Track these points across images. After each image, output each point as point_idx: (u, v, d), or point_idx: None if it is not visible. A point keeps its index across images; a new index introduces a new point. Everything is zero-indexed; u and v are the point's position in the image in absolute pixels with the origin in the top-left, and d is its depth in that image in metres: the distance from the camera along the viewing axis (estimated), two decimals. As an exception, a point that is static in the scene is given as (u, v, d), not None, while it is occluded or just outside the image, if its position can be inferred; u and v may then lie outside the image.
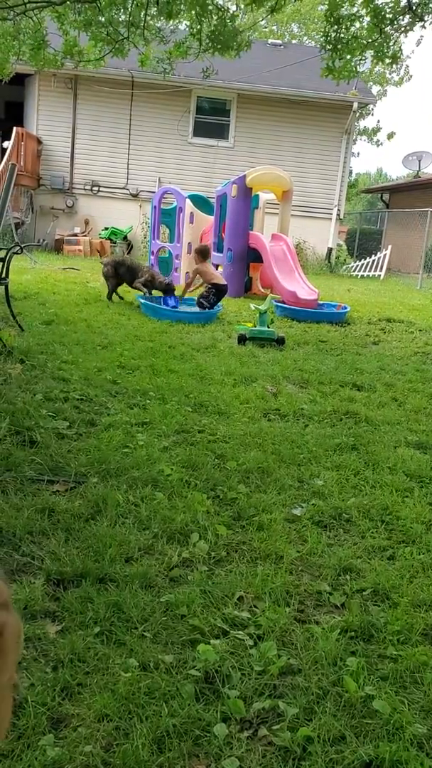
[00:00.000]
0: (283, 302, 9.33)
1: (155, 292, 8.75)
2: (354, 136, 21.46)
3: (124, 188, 17.93)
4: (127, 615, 2.16)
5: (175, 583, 2.39)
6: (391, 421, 4.53)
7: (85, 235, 17.18)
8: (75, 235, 17.04)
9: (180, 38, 7.53)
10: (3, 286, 5.93)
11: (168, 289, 8.69)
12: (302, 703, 1.86)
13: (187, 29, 7.21)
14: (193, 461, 3.45)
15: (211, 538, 2.69)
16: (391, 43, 5.93)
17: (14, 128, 15.45)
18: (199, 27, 6.83)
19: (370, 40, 5.93)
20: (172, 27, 7.47)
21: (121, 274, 8.75)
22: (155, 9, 6.73)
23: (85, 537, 2.60)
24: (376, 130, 31.82)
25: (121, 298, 8.89)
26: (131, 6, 6.90)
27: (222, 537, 2.72)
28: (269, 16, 8.56)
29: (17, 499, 2.85)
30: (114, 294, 8.83)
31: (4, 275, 5.88)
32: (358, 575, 2.55)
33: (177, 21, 7.19)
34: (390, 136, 32.20)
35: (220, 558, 2.59)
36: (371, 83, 28.11)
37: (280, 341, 6.98)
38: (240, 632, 2.14)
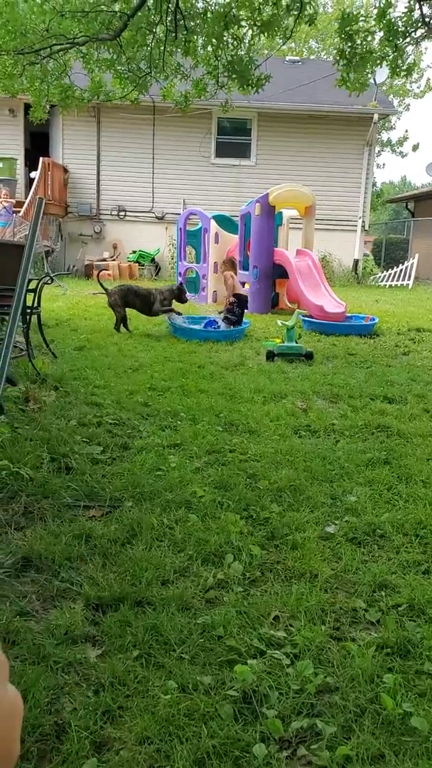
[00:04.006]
0: (311, 316, 9.35)
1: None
2: (376, 149, 21.44)
3: (150, 212, 18.22)
4: (165, 637, 2.20)
5: (211, 605, 2.42)
6: (424, 433, 4.51)
7: (113, 260, 17.47)
8: (104, 259, 17.34)
9: (198, 75, 7.71)
10: (36, 315, 6.08)
11: (180, 292, 8.50)
12: (340, 722, 1.87)
13: (204, 68, 7.38)
14: (225, 482, 3.49)
15: (246, 559, 2.72)
16: (406, 57, 5.99)
17: (41, 158, 15.85)
18: (216, 63, 6.98)
19: (383, 54, 6.00)
20: (191, 64, 7.64)
21: (130, 302, 8.36)
22: (173, 45, 6.90)
23: (122, 561, 2.65)
24: (402, 141, 31.85)
25: (129, 330, 8.37)
26: (152, 42, 7.09)
27: (256, 557, 2.74)
28: (282, 44, 8.70)
29: (55, 526, 2.92)
30: (122, 326, 8.34)
31: (36, 305, 6.03)
32: (394, 591, 2.55)
33: (196, 59, 7.33)
34: (415, 147, 32.21)
35: (255, 578, 2.62)
36: (392, 95, 28.14)
37: (309, 356, 7.00)
38: (276, 652, 2.16)
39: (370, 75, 6.41)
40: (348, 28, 5.88)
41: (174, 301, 8.56)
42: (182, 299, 8.67)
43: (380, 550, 2.89)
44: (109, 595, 2.41)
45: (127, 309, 8.38)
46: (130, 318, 8.86)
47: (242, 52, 7.08)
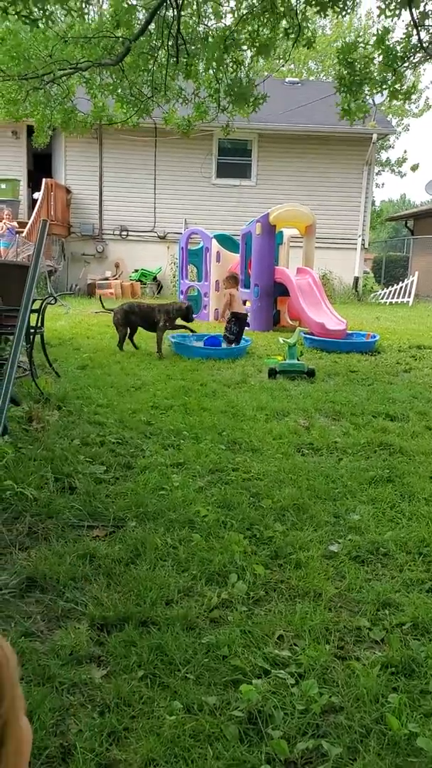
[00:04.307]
0: (312, 334, 9.39)
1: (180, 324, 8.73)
2: (376, 168, 21.65)
3: (151, 231, 18.36)
4: (169, 657, 2.20)
5: (215, 625, 2.43)
6: (426, 450, 4.52)
7: (116, 279, 17.58)
8: (106, 278, 17.45)
9: (199, 100, 7.87)
10: (39, 335, 6.13)
11: (188, 312, 8.43)
12: (346, 742, 1.87)
13: (206, 90, 7.52)
14: (229, 501, 3.50)
15: (250, 578, 2.73)
16: (404, 81, 6.10)
17: (43, 179, 16.01)
18: (216, 86, 7.12)
19: (382, 79, 6.11)
20: (193, 90, 7.77)
21: (132, 321, 8.39)
22: (175, 69, 7.03)
23: (126, 581, 2.66)
24: (401, 161, 32.25)
25: (136, 347, 8.54)
26: (153, 67, 7.22)
27: (260, 576, 2.75)
28: (281, 66, 8.90)
29: (59, 546, 2.93)
30: (127, 343, 8.44)
31: (39, 324, 6.08)
32: (397, 609, 2.55)
33: (197, 84, 7.48)
34: (414, 168, 32.65)
35: (259, 598, 2.62)
36: (391, 115, 28.45)
37: (311, 373, 7.02)
38: (281, 671, 2.16)
39: (369, 99, 6.52)
40: (348, 57, 5.99)
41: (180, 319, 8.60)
42: (189, 318, 8.68)
43: (384, 569, 2.89)
44: (113, 615, 2.42)
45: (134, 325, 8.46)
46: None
47: (242, 74, 7.20)
